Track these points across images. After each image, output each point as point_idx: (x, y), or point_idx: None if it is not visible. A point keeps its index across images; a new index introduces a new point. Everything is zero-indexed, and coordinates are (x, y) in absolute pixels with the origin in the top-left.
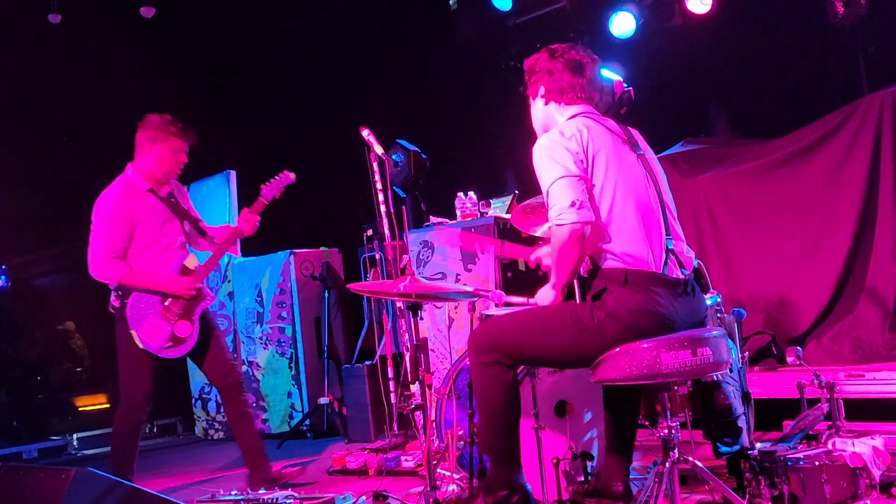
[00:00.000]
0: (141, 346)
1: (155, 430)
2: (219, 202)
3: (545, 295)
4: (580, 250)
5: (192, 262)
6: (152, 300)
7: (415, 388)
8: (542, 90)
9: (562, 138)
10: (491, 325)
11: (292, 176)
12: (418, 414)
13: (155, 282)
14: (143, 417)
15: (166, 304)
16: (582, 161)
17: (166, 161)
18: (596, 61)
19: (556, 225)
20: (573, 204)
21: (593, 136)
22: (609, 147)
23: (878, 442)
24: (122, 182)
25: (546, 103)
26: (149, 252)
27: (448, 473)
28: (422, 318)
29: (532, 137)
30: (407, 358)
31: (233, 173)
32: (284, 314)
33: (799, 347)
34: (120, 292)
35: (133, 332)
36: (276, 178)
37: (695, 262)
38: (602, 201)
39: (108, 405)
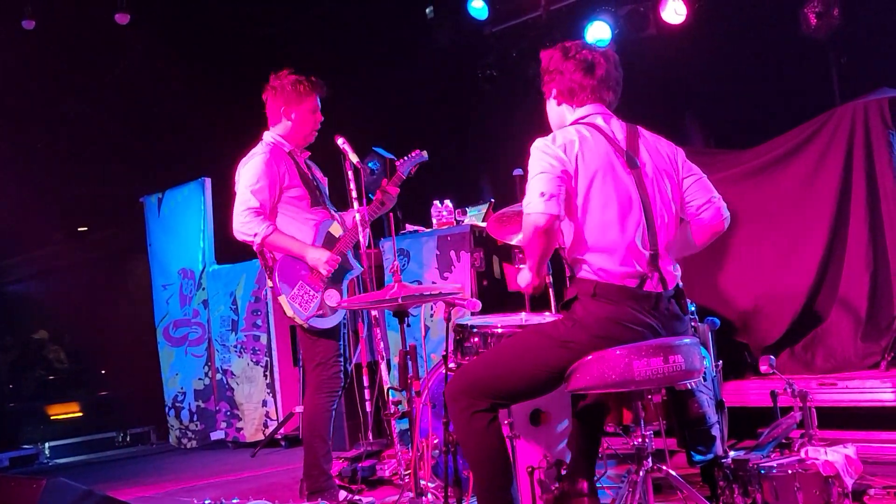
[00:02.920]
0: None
1: (128, 439)
2: (193, 210)
3: (523, 276)
4: (546, 240)
5: (336, 230)
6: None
7: (395, 395)
8: (554, 91)
9: (551, 146)
10: (462, 370)
11: (425, 154)
12: (394, 422)
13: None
14: None
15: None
16: (567, 167)
17: (304, 124)
18: (610, 58)
19: (525, 214)
20: (542, 195)
21: (585, 147)
22: (599, 160)
23: (850, 450)
24: (265, 144)
25: (558, 104)
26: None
27: (423, 482)
28: (409, 325)
29: (508, 145)
30: (382, 366)
31: (208, 181)
32: (259, 322)
33: (772, 356)
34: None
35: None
36: (410, 155)
37: (679, 282)
38: (583, 213)
39: (80, 413)
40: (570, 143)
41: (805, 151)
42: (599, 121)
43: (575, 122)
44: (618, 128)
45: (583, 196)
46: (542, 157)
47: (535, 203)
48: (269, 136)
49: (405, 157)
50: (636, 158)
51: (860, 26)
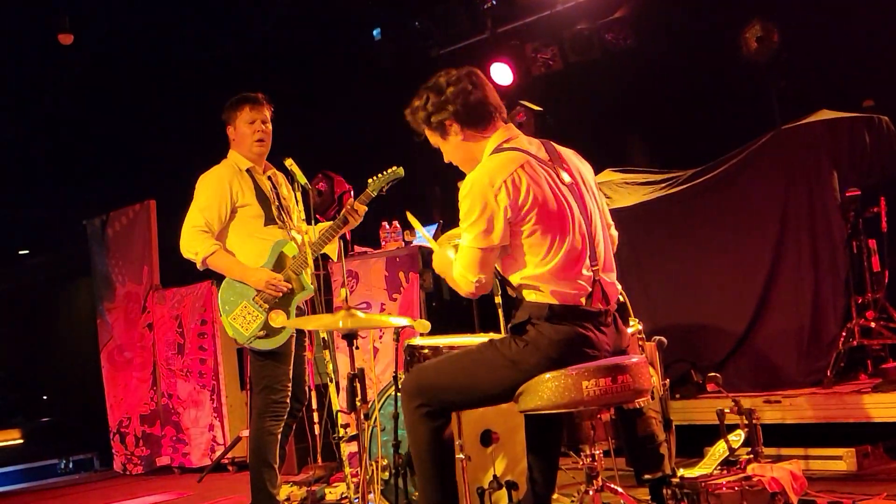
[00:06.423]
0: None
1: (71, 466)
2: (138, 233)
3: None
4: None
5: (290, 249)
6: None
7: (346, 418)
8: (454, 127)
9: (492, 189)
10: (419, 369)
11: (401, 171)
12: (343, 445)
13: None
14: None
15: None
16: (510, 213)
17: (244, 136)
18: (480, 76)
19: (454, 282)
20: (478, 282)
21: (528, 181)
22: (542, 188)
23: (795, 466)
24: (224, 162)
25: (464, 138)
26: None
27: None
28: (357, 348)
29: (456, 167)
30: (331, 389)
31: (153, 203)
32: (205, 345)
33: (718, 375)
34: None
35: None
36: (384, 172)
37: (619, 296)
38: (533, 244)
39: (21, 440)
40: (511, 183)
41: (747, 173)
42: (523, 143)
43: (498, 150)
44: (536, 146)
45: (529, 229)
46: (483, 210)
47: (465, 285)
48: (230, 154)
49: (378, 174)
50: (570, 175)
51: (798, 51)
